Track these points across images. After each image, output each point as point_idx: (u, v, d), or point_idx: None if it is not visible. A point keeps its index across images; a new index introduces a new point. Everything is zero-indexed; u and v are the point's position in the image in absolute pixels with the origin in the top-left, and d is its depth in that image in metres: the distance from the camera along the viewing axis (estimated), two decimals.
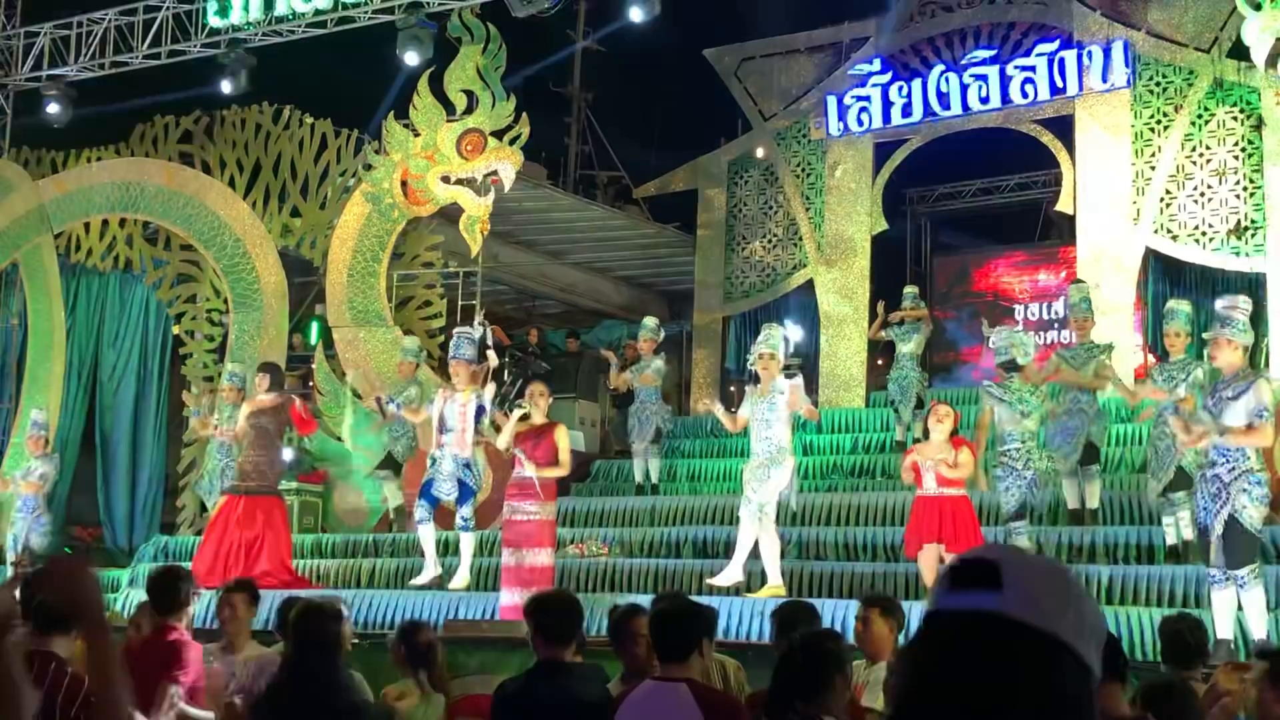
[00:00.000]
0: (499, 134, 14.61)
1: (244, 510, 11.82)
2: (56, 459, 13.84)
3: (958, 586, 1.43)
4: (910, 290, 14.95)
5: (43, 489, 13.14)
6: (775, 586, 9.66)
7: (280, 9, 15.33)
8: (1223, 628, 7.68)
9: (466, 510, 10.90)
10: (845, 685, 4.22)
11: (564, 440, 9.92)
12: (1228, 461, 7.60)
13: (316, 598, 5.19)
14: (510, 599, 9.73)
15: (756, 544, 9.73)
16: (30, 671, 4.43)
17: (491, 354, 11.78)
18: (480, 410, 10.90)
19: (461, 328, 11.75)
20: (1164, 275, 15.62)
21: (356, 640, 6.73)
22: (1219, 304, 8.21)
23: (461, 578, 10.92)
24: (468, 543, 10.95)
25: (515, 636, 8.54)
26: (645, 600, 9.42)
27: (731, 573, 9.71)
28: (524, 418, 10.00)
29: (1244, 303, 8.18)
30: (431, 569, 11.01)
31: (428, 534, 11.01)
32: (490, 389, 11.05)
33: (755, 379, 10.08)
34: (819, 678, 4.04)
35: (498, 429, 10.43)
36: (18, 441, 15.02)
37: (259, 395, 12.26)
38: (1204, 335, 13.82)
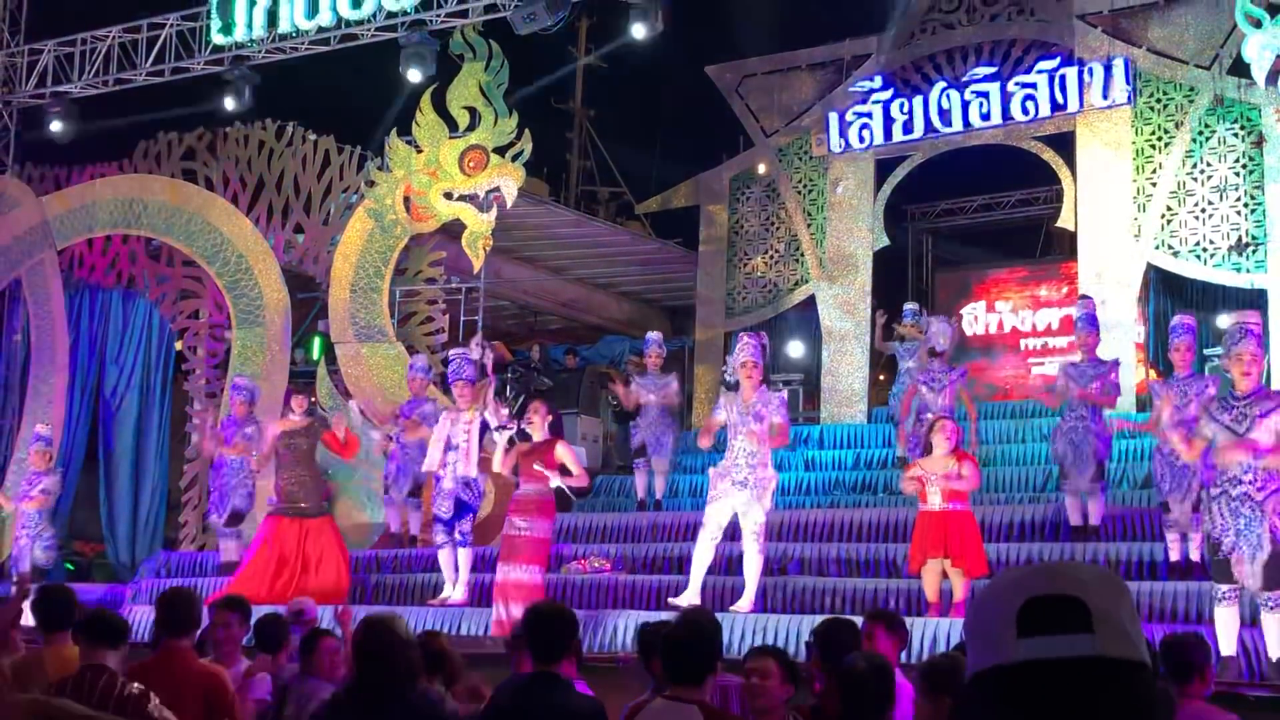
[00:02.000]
0: (501, 150, 14.66)
1: (299, 531, 11.76)
2: (60, 474, 13.85)
3: (1043, 629, 1.33)
4: (911, 307, 14.97)
5: (47, 504, 13.15)
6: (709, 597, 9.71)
7: (284, 26, 15.41)
8: (1226, 645, 7.66)
9: (465, 525, 10.93)
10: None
11: (567, 454, 9.94)
12: (1255, 480, 7.54)
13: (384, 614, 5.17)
14: (500, 614, 9.76)
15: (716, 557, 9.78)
16: (84, 682, 4.50)
17: (489, 372, 11.87)
18: (485, 427, 10.96)
19: (459, 349, 11.83)
20: (1165, 291, 15.65)
21: None
22: (1239, 318, 8.14)
23: (458, 592, 10.94)
24: (465, 558, 10.98)
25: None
26: (643, 616, 9.44)
27: (747, 600, 9.71)
28: (523, 437, 10.03)
29: (1258, 317, 8.20)
30: (449, 588, 11.05)
31: (445, 556, 11.06)
32: (493, 405, 11.09)
33: (734, 385, 10.06)
34: (885, 707, 4.10)
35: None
36: (21, 457, 15.04)
37: (293, 416, 12.23)
38: (1206, 350, 13.94)
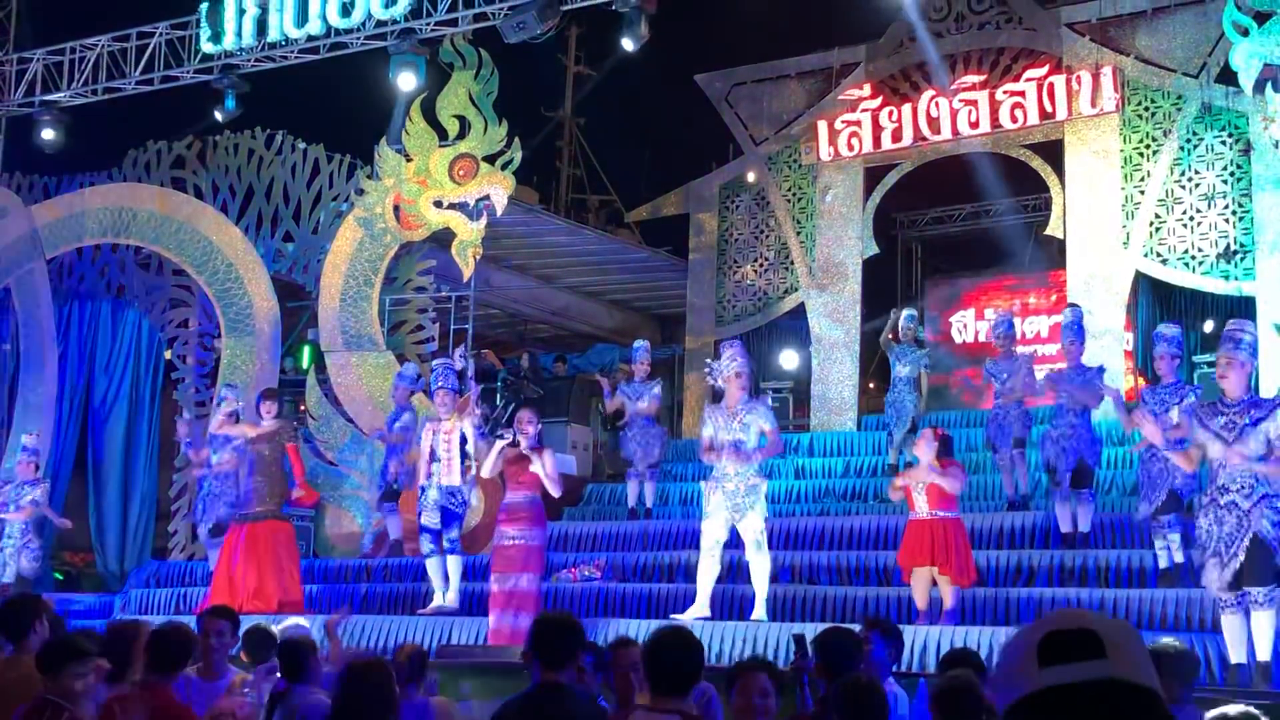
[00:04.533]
0: (491, 159, 14.66)
1: (249, 539, 11.76)
2: (48, 485, 13.80)
3: (1062, 659, 1.43)
4: (910, 312, 14.95)
5: (34, 514, 13.11)
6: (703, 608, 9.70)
7: (273, 35, 15.39)
8: (1236, 652, 7.64)
9: (452, 533, 10.93)
10: None
11: (549, 461, 9.96)
12: (1242, 487, 7.56)
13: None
14: (498, 623, 9.75)
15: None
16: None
17: (470, 382, 11.92)
18: (464, 439, 10.95)
19: (442, 358, 11.86)
20: (1154, 299, 15.69)
21: None
22: (1228, 325, 8.19)
23: (450, 600, 10.94)
24: (454, 565, 10.98)
25: (508, 661, 8.54)
26: (633, 624, 9.45)
27: (760, 609, 9.71)
28: (514, 444, 10.04)
29: (1250, 326, 8.21)
30: (440, 598, 11.03)
31: (434, 566, 11.04)
32: (471, 417, 11.09)
33: (717, 398, 10.07)
34: None
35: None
36: (9, 466, 14.96)
37: (265, 421, 12.22)
38: (1195, 358, 14.01)
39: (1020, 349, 13.23)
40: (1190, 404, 9.38)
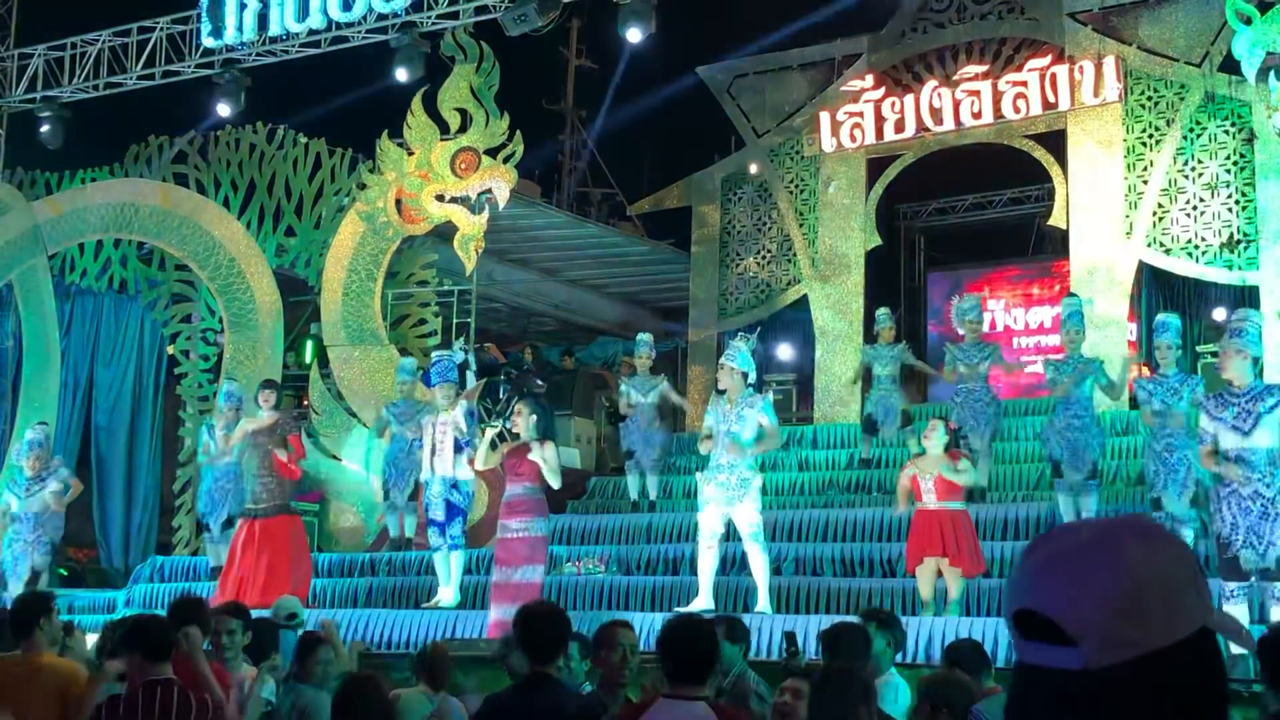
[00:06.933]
0: (493, 152, 14.64)
1: (260, 534, 11.73)
2: (61, 471, 13.76)
3: (1032, 637, 1.25)
4: (882, 312, 14.73)
5: (43, 508, 13.08)
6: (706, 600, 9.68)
7: (274, 29, 15.37)
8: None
9: (455, 529, 10.92)
10: (870, 714, 4.27)
11: (549, 455, 9.96)
12: (1263, 476, 7.53)
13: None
14: (498, 615, 9.74)
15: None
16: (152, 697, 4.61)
17: (470, 376, 11.91)
18: (459, 429, 10.95)
19: (441, 352, 11.85)
20: (1157, 288, 15.66)
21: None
22: (1232, 316, 8.20)
23: (450, 595, 10.93)
24: (456, 561, 10.97)
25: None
26: (633, 616, 9.43)
27: (763, 601, 9.69)
28: (501, 438, 10.05)
29: (1255, 316, 8.19)
30: (443, 592, 11.03)
31: (441, 560, 11.05)
32: (461, 406, 11.07)
33: (720, 390, 10.06)
34: (846, 711, 4.10)
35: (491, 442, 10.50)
36: (13, 462, 14.96)
37: (263, 413, 12.20)
38: (1198, 348, 13.99)
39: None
40: (1196, 396, 9.37)
